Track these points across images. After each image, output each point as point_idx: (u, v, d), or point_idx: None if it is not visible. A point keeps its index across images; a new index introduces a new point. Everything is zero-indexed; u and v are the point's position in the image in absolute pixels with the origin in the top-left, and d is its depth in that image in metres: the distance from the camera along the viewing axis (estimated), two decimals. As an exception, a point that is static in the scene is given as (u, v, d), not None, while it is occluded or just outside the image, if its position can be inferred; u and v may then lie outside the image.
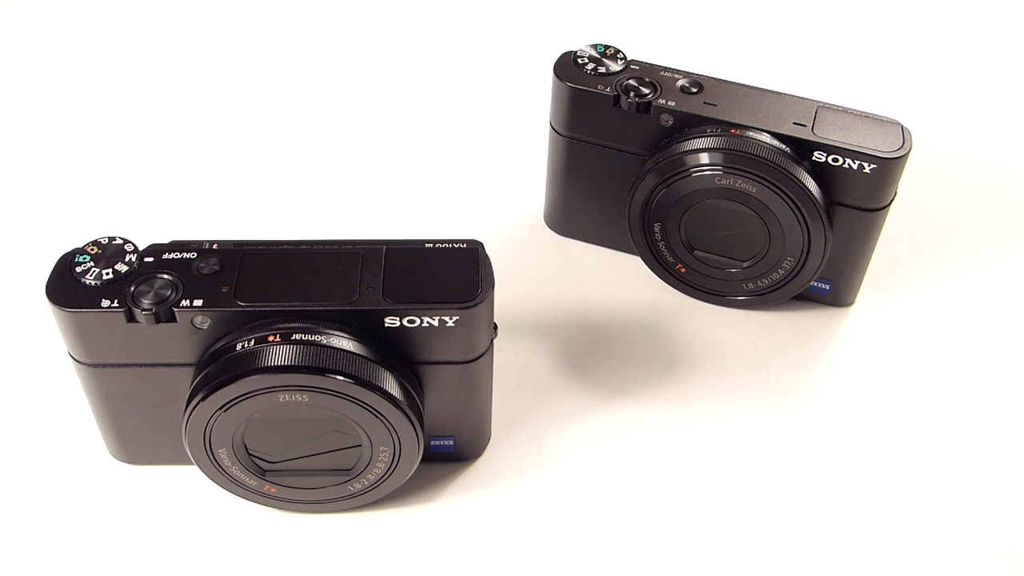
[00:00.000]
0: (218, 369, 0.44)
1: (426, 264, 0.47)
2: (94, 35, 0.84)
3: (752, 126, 0.56)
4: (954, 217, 0.70)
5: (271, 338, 0.44)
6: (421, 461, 0.48)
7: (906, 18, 0.90)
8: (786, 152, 0.56)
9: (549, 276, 0.64)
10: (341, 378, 0.44)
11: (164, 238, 0.48)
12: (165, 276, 0.45)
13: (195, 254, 0.46)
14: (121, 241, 0.47)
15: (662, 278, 0.62)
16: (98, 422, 0.50)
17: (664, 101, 0.57)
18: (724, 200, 0.57)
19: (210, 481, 0.49)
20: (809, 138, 0.56)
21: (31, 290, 0.52)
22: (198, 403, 0.45)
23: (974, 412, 0.57)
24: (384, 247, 0.47)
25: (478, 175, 0.72)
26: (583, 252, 0.66)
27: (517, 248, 0.66)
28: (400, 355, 0.47)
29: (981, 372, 0.59)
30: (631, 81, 0.58)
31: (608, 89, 0.58)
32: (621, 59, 0.59)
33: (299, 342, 0.44)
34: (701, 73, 0.59)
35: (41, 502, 0.51)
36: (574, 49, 0.60)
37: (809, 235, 0.57)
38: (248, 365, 0.44)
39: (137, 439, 0.51)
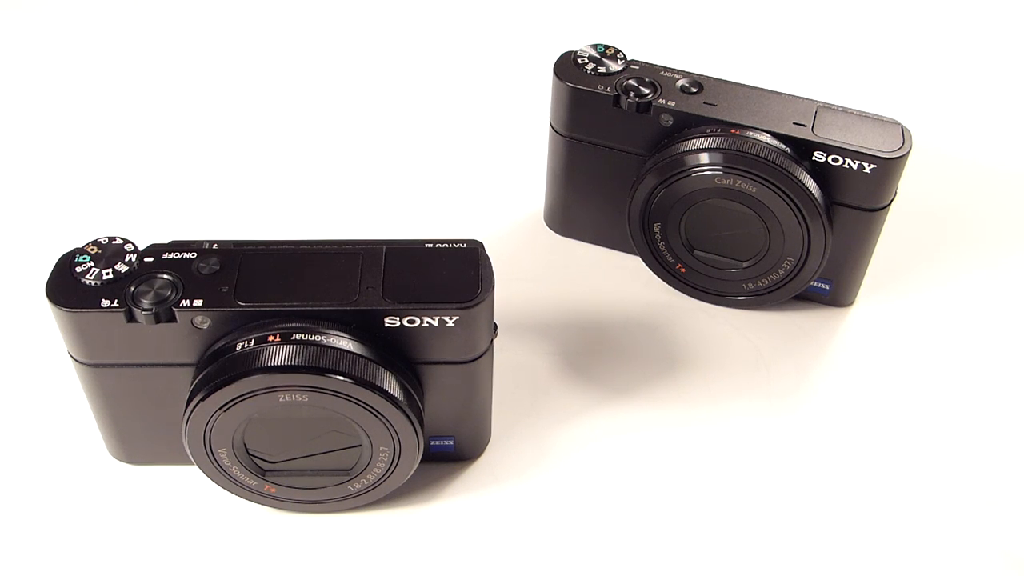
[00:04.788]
0: (218, 369, 0.44)
1: (426, 264, 0.47)
2: (94, 35, 0.84)
3: (752, 126, 0.56)
4: (954, 217, 0.70)
5: (271, 338, 0.44)
6: (421, 461, 0.48)
7: (906, 18, 0.90)
8: (786, 152, 0.56)
9: (549, 276, 0.64)
10: (341, 378, 0.44)
11: (164, 238, 0.48)
12: (165, 276, 0.45)
13: (195, 254, 0.46)
14: (121, 241, 0.47)
15: (662, 278, 0.62)
16: (98, 422, 0.50)
17: (664, 101, 0.57)
18: (724, 200, 0.57)
19: (210, 481, 0.49)
20: (809, 138, 0.56)
21: (31, 290, 0.52)
22: (198, 403, 0.45)
23: (974, 412, 0.57)
24: (384, 247, 0.47)
25: (478, 175, 0.71)
26: (583, 252, 0.66)
27: (517, 248, 0.66)
28: (400, 355, 0.47)
29: (981, 372, 0.59)
30: (631, 81, 0.58)
31: (608, 89, 0.58)
32: (621, 59, 0.59)
33: (299, 342, 0.44)
34: (701, 73, 0.59)
35: (41, 502, 0.51)
36: (574, 49, 0.60)
37: (809, 235, 0.57)
38: (248, 365, 0.44)
39: (137, 439, 0.51)
